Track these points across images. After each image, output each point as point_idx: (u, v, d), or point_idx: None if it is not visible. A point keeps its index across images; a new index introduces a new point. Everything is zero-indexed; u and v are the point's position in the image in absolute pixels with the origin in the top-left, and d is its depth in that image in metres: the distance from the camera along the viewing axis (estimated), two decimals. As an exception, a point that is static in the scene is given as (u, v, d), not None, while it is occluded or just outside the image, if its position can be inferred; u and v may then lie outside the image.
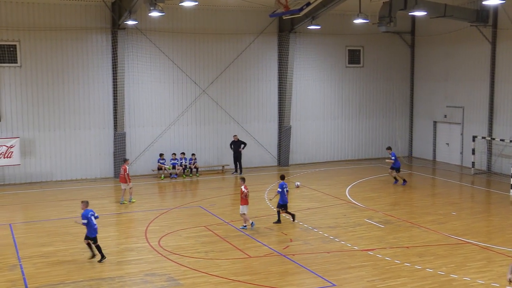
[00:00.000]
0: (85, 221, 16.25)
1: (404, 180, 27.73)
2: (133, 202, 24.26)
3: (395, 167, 27.73)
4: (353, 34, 34.10)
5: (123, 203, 23.98)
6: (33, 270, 15.67)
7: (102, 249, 16.49)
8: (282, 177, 21.06)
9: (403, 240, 18.43)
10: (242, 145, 31.22)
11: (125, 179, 24.04)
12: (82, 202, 16.80)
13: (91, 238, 16.38)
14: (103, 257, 16.32)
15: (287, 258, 16.56)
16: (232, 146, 31.29)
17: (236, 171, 31.20)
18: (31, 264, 16.14)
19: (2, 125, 27.91)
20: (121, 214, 22.78)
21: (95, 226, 16.41)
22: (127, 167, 24.19)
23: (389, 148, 28.83)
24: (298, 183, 27.45)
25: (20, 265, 16.11)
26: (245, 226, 19.68)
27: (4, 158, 27.46)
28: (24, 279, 14.96)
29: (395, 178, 27.87)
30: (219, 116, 32.08)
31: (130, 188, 24.28)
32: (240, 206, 19.65)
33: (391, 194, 25.88)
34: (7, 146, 27.48)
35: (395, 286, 14.42)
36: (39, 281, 14.81)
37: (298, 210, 22.18)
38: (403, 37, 35.91)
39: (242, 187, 19.62)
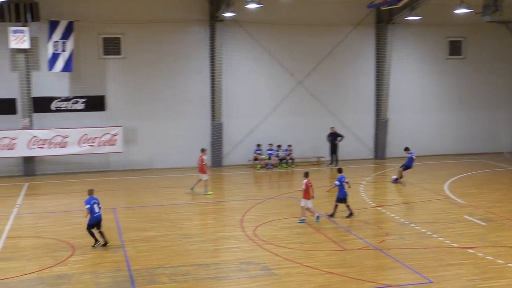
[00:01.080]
0: (88, 206, 16.64)
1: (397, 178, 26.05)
2: (210, 194, 24.10)
3: (407, 166, 26.00)
4: (454, 24, 32.78)
5: (208, 194, 24.01)
6: (135, 253, 16.24)
7: (199, 236, 16.82)
8: (340, 171, 20.50)
9: (507, 239, 17.56)
10: (339, 138, 30.91)
11: (204, 169, 24.03)
12: (88, 190, 17.23)
13: (91, 225, 16.72)
14: (96, 241, 16.72)
15: (383, 252, 16.23)
16: (329, 138, 31.04)
17: (331, 163, 30.96)
18: (132, 247, 16.74)
19: (106, 114, 29.14)
20: (217, 203, 23.20)
21: (97, 214, 16.72)
22: (204, 158, 24.11)
23: (407, 149, 26.73)
24: (394, 176, 26.67)
25: (123, 247, 16.75)
26: (303, 220, 19.26)
27: (109, 145, 28.70)
28: (127, 261, 15.55)
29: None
30: (315, 108, 31.90)
31: (205, 180, 24.06)
32: (302, 200, 19.33)
33: (494, 191, 24.70)
34: (111, 134, 28.68)
35: (499, 287, 13.77)
36: (139, 263, 15.33)
37: (395, 204, 21.70)
38: (510, 27, 34.13)
39: (305, 181, 19.13)
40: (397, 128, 33.22)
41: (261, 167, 30.41)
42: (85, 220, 17.00)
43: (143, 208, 21.81)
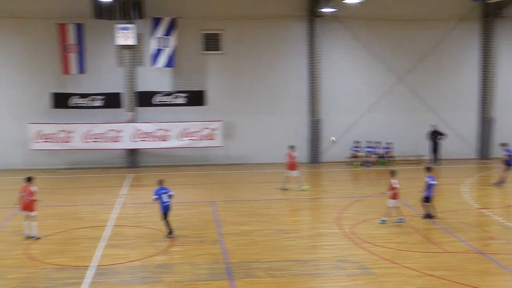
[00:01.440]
0: (156, 196, 17.14)
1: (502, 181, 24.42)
2: (305, 188, 23.99)
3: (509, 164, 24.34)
4: None
5: (303, 189, 23.92)
6: (232, 246, 16.53)
7: (296, 232, 16.87)
8: (429, 169, 19.47)
9: None
10: (441, 136, 29.98)
11: (294, 165, 23.87)
12: (158, 180, 17.72)
13: (164, 214, 17.20)
14: (170, 233, 17.22)
15: (487, 256, 15.58)
16: (430, 136, 30.18)
17: (434, 162, 30.06)
18: (230, 241, 17.04)
19: (206, 109, 29.82)
20: (314, 199, 23.18)
21: (165, 204, 17.13)
22: (293, 154, 23.91)
23: (504, 145, 25.10)
24: (334, 138, 25.88)
25: (221, 240, 17.11)
26: (384, 220, 18.72)
27: (208, 140, 29.37)
28: (225, 254, 15.87)
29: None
30: (415, 105, 31.12)
31: (296, 176, 23.88)
32: (388, 200, 18.78)
33: None
34: (211, 129, 29.33)
35: None
36: (237, 257, 15.59)
37: (500, 207, 20.79)
38: None
39: (393, 180, 18.59)
40: (504, 126, 31.73)
41: (359, 165, 30.06)
42: (184, 212, 17.50)
43: (241, 203, 22.15)
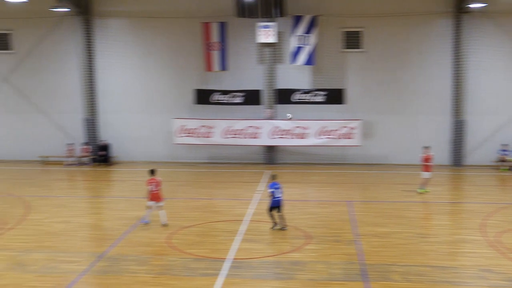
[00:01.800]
0: (271, 190, 17.53)
1: None
2: (425, 192, 23.05)
3: None
4: None
5: (422, 191, 23.01)
6: (368, 247, 16.27)
7: (435, 236, 16.28)
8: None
9: None
10: None
11: (428, 167, 22.94)
12: (271, 175, 18.26)
13: (272, 207, 17.62)
14: (275, 224, 17.77)
15: None
16: None
17: None
18: (366, 242, 16.78)
19: (345, 108, 29.60)
20: (455, 204, 22.24)
21: (276, 199, 17.51)
22: (430, 156, 23.00)
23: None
24: (290, 115, 24.53)
25: (357, 241, 16.91)
26: None
27: (346, 138, 29.15)
28: (360, 254, 15.67)
29: None
30: None
31: (425, 178, 23.00)
32: None
33: None
34: (349, 127, 29.07)
35: None
36: (372, 259, 15.32)
37: None
38: None
39: None
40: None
41: (507, 169, 28.36)
42: (320, 210, 17.47)
43: (378, 203, 21.75)
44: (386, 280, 13.82)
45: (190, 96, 30.25)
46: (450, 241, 17.06)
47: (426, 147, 23.50)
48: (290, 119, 28.47)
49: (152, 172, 18.49)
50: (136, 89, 31.11)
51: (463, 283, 13.73)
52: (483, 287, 13.37)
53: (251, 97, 29.90)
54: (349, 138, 29.21)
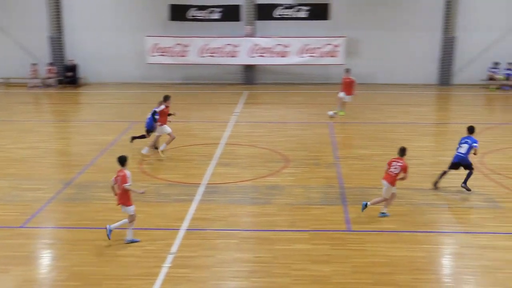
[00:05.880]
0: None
1: None
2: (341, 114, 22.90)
3: None
4: None
5: (334, 115, 22.76)
6: (348, 171, 16.57)
7: (418, 158, 16.60)
8: None
9: None
10: None
11: (350, 90, 22.72)
12: None
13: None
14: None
15: None
16: None
17: None
18: (346, 165, 17.07)
19: (329, 24, 29.22)
20: (440, 125, 22.60)
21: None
22: (352, 79, 22.76)
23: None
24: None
25: (337, 164, 17.18)
26: None
27: (330, 57, 29.03)
28: (340, 178, 15.97)
29: None
30: None
31: (346, 101, 22.86)
32: None
33: None
34: (333, 45, 28.91)
35: None
36: (352, 182, 15.65)
37: None
38: None
39: None
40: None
41: (496, 88, 28.59)
42: (300, 132, 17.51)
43: (361, 125, 21.96)
44: (364, 203, 14.17)
45: (165, 12, 29.63)
46: (432, 163, 17.41)
47: (347, 70, 23.20)
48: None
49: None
50: (106, 4, 30.39)
51: (443, 205, 14.14)
52: (464, 209, 13.80)
53: (230, 13, 29.39)
54: (332, 56, 29.08)
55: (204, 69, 30.29)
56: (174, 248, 11.87)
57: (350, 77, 22.74)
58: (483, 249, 11.89)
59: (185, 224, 12.99)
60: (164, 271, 11.01)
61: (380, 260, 11.38)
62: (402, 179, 13.23)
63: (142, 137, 18.34)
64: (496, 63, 28.63)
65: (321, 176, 16.14)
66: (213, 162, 17.33)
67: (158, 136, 17.95)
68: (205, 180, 15.76)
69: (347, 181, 15.69)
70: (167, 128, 17.67)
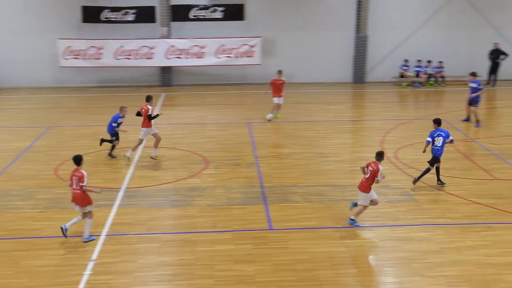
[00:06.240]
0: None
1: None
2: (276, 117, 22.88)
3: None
4: None
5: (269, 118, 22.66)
6: (268, 170, 16.74)
7: (336, 155, 16.85)
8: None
9: None
10: (502, 56, 28.97)
11: (279, 93, 22.46)
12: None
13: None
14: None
15: (540, 185, 15.46)
16: (491, 56, 29.14)
17: (488, 83, 29.25)
18: (266, 164, 17.24)
19: (245, 24, 29.39)
20: (357, 122, 23.13)
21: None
22: (282, 80, 22.57)
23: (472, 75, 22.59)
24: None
25: (257, 163, 17.31)
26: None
27: (246, 57, 29.20)
28: (260, 177, 16.10)
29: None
30: (474, 21, 29.86)
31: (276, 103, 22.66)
32: None
33: None
34: (249, 45, 29.09)
35: None
36: (273, 181, 15.82)
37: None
38: None
39: None
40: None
41: (407, 85, 29.58)
42: (219, 133, 17.55)
43: (279, 124, 22.20)
44: (286, 201, 14.38)
45: (77, 14, 28.92)
46: (350, 160, 17.85)
47: (279, 71, 22.92)
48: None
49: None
50: (15, 6, 29.37)
51: (362, 200, 14.49)
52: (381, 203, 14.16)
53: (144, 14, 28.99)
54: (249, 56, 29.25)
55: (120, 71, 29.78)
56: (94, 255, 11.66)
57: (282, 79, 22.76)
58: (400, 241, 12.33)
59: (105, 230, 12.77)
60: (84, 279, 10.81)
61: (302, 257, 11.58)
62: (376, 182, 12.89)
63: (111, 141, 18.03)
64: (406, 61, 29.60)
65: (241, 176, 16.23)
66: (133, 166, 17.11)
67: (142, 140, 17.81)
68: (124, 185, 15.54)
69: (267, 180, 15.84)
70: (152, 130, 17.69)
